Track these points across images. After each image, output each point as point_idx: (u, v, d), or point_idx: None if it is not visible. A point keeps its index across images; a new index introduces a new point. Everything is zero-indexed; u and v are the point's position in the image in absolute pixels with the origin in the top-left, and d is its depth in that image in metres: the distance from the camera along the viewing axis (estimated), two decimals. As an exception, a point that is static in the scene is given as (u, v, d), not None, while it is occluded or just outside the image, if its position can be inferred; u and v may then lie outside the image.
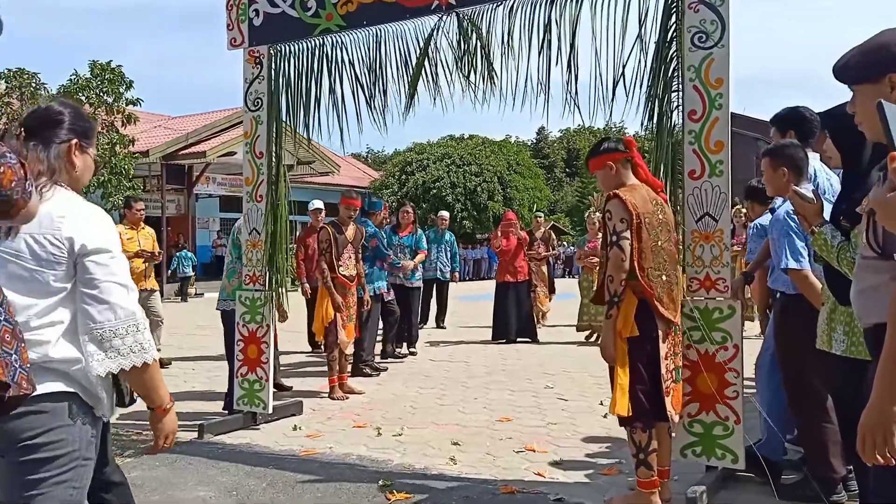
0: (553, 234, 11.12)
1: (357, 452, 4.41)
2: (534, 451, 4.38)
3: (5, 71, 14.93)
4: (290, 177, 5.15)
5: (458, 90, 4.32)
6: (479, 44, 4.16)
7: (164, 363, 7.11)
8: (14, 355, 1.56)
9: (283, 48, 4.90)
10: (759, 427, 3.90)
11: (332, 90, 4.78)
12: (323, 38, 4.71)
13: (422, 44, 4.38)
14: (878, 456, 1.61)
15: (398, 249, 8.09)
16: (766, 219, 4.01)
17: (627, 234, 3.13)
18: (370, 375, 6.91)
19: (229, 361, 5.26)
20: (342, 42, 4.68)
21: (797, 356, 3.36)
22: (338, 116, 4.79)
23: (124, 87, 15.79)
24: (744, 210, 8.52)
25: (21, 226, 1.70)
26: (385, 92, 4.61)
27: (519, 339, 9.32)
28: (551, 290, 10.84)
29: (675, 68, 3.60)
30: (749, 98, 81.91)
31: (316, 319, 6.15)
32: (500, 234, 9.59)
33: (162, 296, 9.54)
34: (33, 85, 15.03)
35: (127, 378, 1.90)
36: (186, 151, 19.01)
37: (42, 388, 1.72)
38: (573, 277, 22.22)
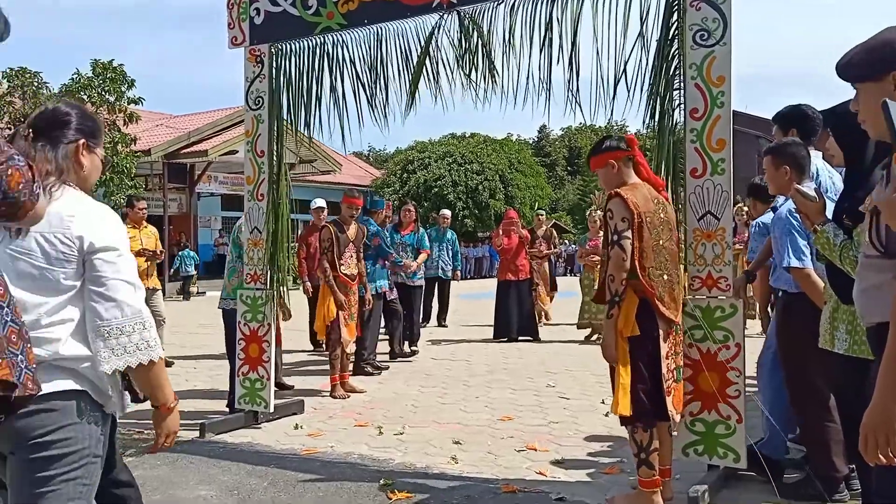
0: (555, 232, 11.11)
1: (358, 451, 4.41)
2: (535, 449, 4.38)
3: (7, 70, 14.94)
4: (291, 175, 5.15)
5: (459, 88, 4.32)
6: (480, 42, 4.15)
7: (167, 363, 7.11)
8: (20, 356, 1.57)
9: (284, 47, 4.90)
10: (761, 426, 3.89)
11: (333, 89, 4.78)
12: (324, 37, 4.71)
13: (423, 42, 4.37)
14: (880, 456, 1.60)
15: (400, 248, 8.09)
16: (768, 217, 4.00)
17: (629, 233, 3.12)
18: (371, 374, 6.91)
19: (230, 360, 5.26)
20: (343, 40, 4.67)
21: (799, 355, 3.36)
22: (339, 115, 4.79)
23: (126, 86, 15.81)
24: (746, 208, 8.52)
25: (30, 227, 1.72)
26: (386, 90, 4.61)
27: (520, 338, 9.31)
28: (553, 288, 10.84)
29: (676, 66, 3.58)
30: (751, 96, 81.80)
31: (317, 318, 6.15)
32: (501, 232, 9.59)
33: (164, 294, 9.54)
34: (35, 84, 15.04)
35: (133, 375, 1.91)
36: (188, 150, 19.04)
37: (52, 387, 1.75)
38: (574, 275, 22.18)
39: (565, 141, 58.08)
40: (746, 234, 7.45)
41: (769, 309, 4.64)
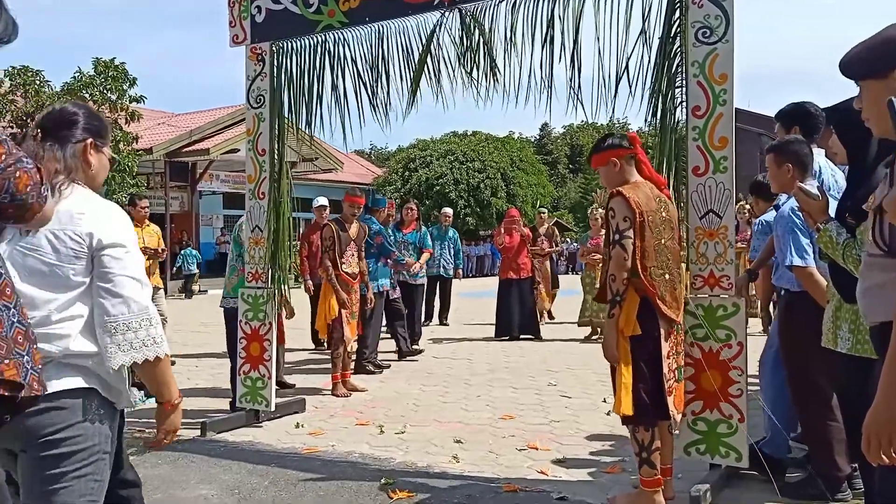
0: (556, 230, 11.10)
1: (359, 450, 4.40)
2: (537, 449, 4.37)
3: (9, 69, 14.95)
4: (292, 174, 5.14)
5: (460, 86, 4.31)
6: (481, 40, 4.14)
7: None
8: (26, 356, 1.58)
9: (285, 45, 4.89)
10: (763, 425, 3.88)
11: (334, 87, 4.77)
12: (325, 35, 4.70)
13: (424, 40, 4.37)
14: (883, 456, 1.59)
15: (402, 246, 8.10)
16: (770, 215, 3.99)
17: (630, 232, 3.11)
18: (373, 373, 6.90)
19: (231, 359, 5.26)
20: (344, 38, 4.67)
21: (802, 354, 3.34)
22: (340, 113, 4.78)
23: (128, 84, 15.81)
24: (748, 206, 8.51)
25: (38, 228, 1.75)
26: (388, 88, 4.61)
27: (522, 336, 9.31)
28: (555, 286, 10.83)
29: (678, 64, 3.57)
30: (753, 93, 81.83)
31: (319, 316, 6.15)
32: (503, 230, 9.59)
33: (166, 293, 9.54)
34: (37, 82, 15.05)
35: (139, 372, 1.93)
36: (190, 149, 19.06)
37: (61, 384, 1.78)
38: (576, 274, 22.17)
39: (567, 139, 58.00)
40: (749, 233, 7.44)
41: (771, 307, 4.63)
